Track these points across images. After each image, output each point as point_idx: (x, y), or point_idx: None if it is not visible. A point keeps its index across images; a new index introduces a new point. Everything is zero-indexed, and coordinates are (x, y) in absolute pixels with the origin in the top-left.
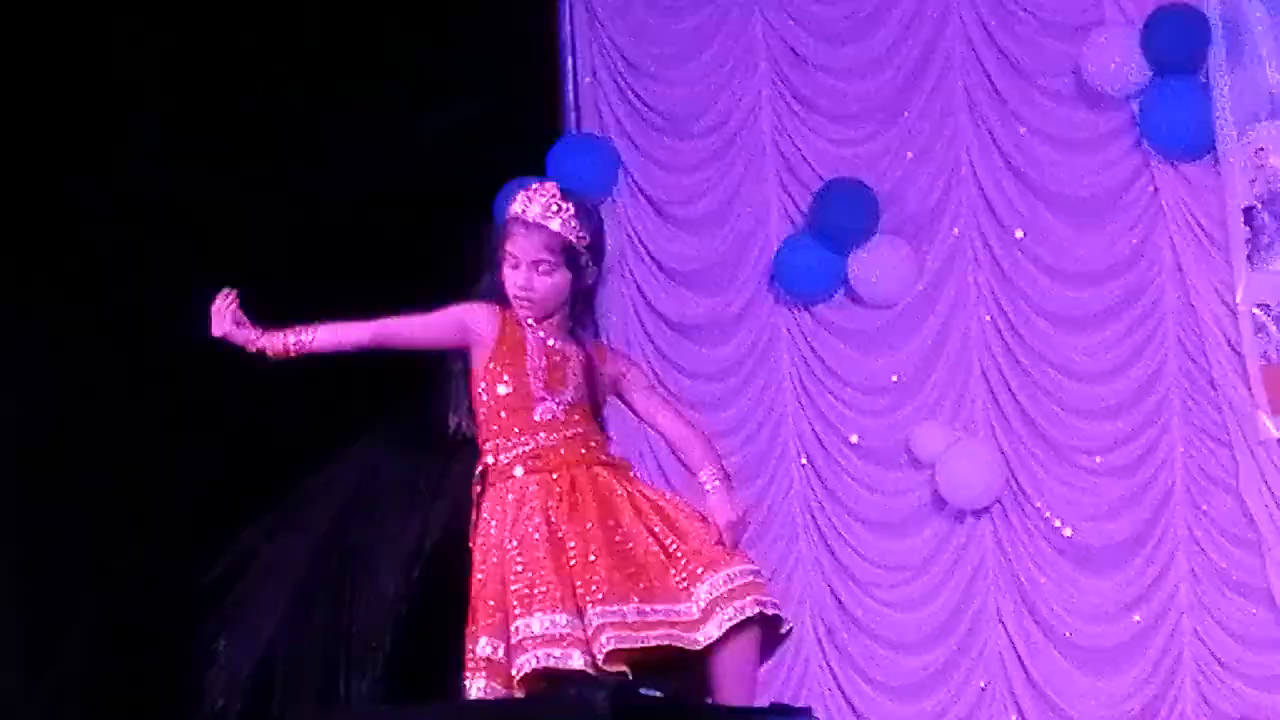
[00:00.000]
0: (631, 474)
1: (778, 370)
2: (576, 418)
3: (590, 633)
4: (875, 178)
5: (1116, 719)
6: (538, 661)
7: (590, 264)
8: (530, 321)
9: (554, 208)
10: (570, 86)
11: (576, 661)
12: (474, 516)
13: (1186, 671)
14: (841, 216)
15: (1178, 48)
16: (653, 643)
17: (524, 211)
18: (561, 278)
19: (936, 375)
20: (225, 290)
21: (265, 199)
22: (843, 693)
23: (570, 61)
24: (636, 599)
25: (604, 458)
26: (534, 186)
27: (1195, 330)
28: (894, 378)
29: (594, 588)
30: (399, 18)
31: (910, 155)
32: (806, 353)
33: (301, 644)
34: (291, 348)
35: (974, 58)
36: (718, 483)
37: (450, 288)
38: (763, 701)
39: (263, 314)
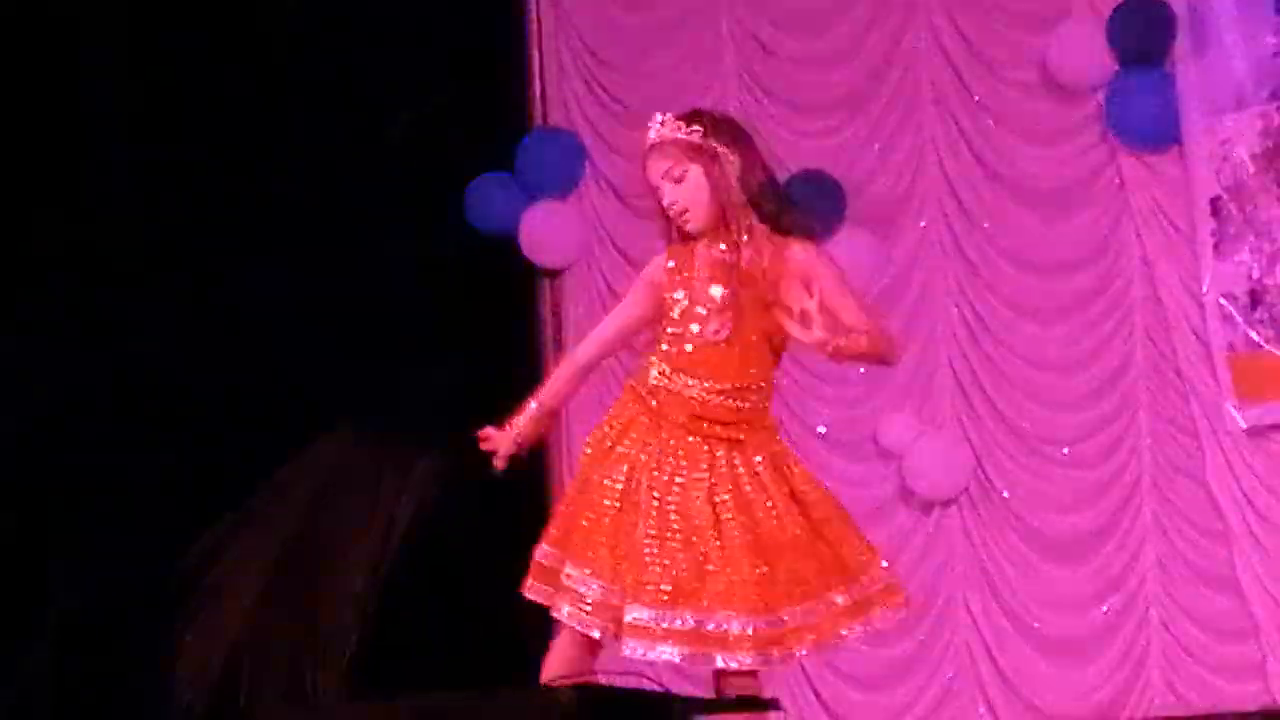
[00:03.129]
0: (773, 448)
1: None
2: (734, 337)
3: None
4: (842, 169)
5: (1085, 709)
6: (570, 620)
7: (723, 148)
8: (695, 234)
9: (659, 123)
10: (537, 80)
11: (595, 633)
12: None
13: (1154, 662)
14: (807, 208)
15: (1143, 39)
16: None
17: (642, 148)
18: (695, 176)
19: (904, 366)
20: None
21: (232, 196)
22: (810, 684)
23: (537, 55)
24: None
25: (730, 435)
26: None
27: (1162, 321)
28: (861, 369)
29: (634, 578)
30: (366, 12)
31: (877, 147)
32: None
33: (269, 640)
34: (535, 424)
35: (940, 49)
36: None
37: (421, 281)
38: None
39: (230, 310)
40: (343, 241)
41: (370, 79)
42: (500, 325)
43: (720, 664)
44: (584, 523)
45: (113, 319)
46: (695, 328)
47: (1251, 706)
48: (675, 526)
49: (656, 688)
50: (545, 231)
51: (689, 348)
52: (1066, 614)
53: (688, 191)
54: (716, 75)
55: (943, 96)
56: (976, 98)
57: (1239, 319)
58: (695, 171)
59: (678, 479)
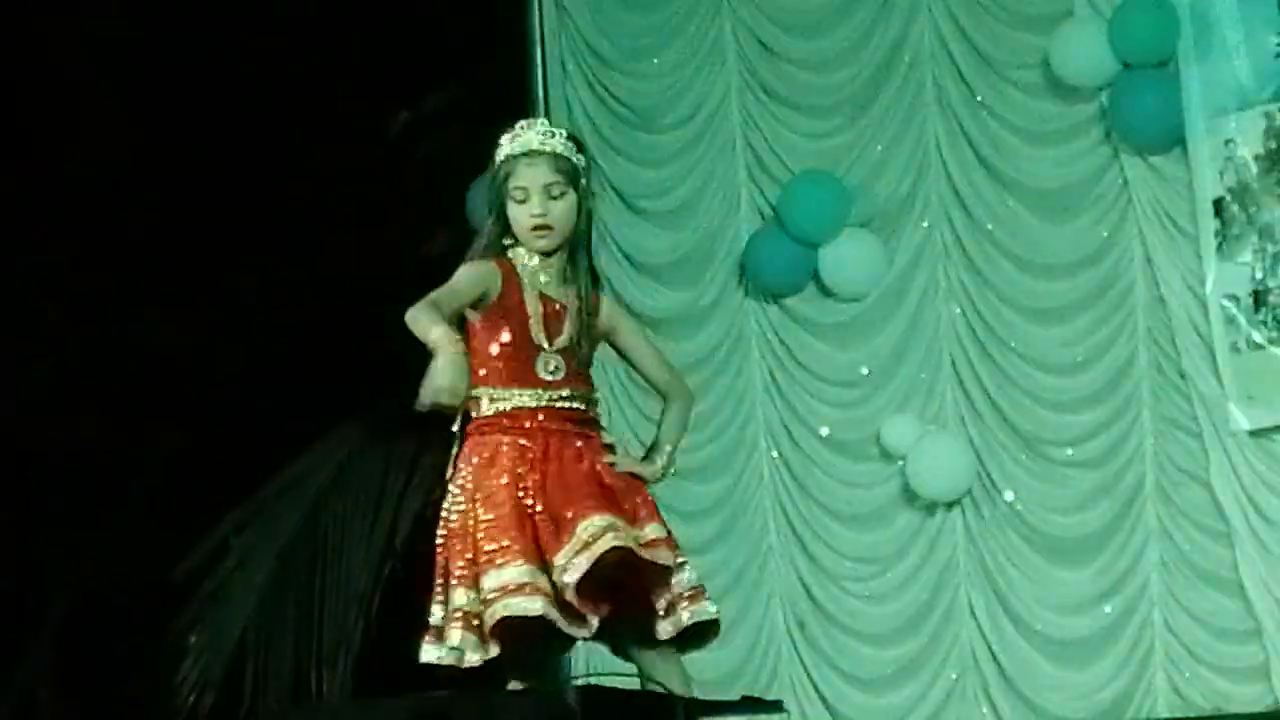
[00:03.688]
0: (607, 448)
1: (748, 363)
2: (572, 370)
3: (556, 574)
4: (845, 170)
5: (1088, 711)
6: (505, 610)
7: (588, 191)
8: (536, 260)
9: (549, 134)
10: (540, 81)
11: (538, 608)
12: (451, 469)
13: (1158, 663)
14: (811, 209)
15: (1146, 40)
16: (615, 543)
17: (523, 143)
18: (571, 202)
19: (907, 368)
20: None
21: (234, 194)
22: (814, 685)
23: (539, 55)
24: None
25: (583, 431)
26: (520, 123)
27: (1165, 322)
28: (864, 370)
29: (553, 539)
30: (368, 11)
31: (880, 148)
32: (777, 346)
33: (273, 638)
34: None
35: (943, 50)
36: (665, 456)
37: (414, 278)
38: (734, 694)
39: (231, 309)
40: (344, 240)
41: (371, 78)
42: None
43: (650, 557)
44: (488, 545)
45: (115, 315)
46: (538, 366)
47: (1255, 708)
48: (569, 483)
49: (659, 689)
50: None
51: (514, 365)
52: (1070, 615)
53: (562, 213)
54: (719, 76)
55: (946, 97)
56: (979, 98)
57: (1242, 320)
58: (572, 198)
59: (554, 462)
